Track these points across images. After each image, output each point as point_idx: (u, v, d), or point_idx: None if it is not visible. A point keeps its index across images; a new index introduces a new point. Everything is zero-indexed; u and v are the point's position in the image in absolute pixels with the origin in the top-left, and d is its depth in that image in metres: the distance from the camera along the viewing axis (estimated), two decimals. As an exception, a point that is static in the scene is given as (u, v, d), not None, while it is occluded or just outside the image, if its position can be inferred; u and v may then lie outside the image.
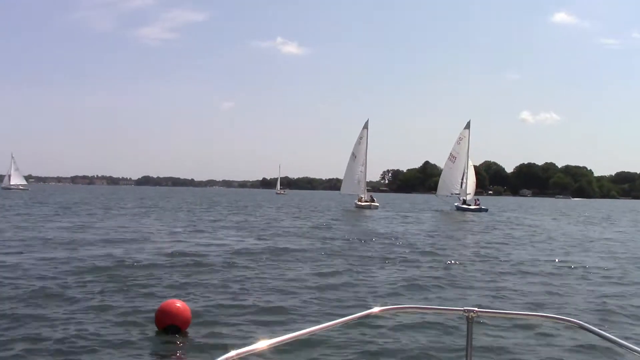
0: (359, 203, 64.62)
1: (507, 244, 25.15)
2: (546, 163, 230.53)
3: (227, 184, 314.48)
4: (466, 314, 3.11)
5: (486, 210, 61.17)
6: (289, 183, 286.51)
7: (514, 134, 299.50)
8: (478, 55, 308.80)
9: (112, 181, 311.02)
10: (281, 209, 59.94)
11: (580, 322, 3.11)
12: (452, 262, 17.75)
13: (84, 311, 9.91)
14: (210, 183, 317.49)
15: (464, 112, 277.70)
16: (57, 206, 51.63)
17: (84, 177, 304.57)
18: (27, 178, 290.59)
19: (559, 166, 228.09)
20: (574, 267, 17.31)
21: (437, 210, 63.25)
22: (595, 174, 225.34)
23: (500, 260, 18.56)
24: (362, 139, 68.94)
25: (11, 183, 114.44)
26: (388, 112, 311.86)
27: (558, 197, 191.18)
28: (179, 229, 28.67)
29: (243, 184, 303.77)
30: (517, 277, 15.24)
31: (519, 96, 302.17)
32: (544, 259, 19.20)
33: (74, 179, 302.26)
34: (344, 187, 71.07)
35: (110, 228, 27.82)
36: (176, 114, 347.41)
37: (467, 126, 66.87)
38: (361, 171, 68.53)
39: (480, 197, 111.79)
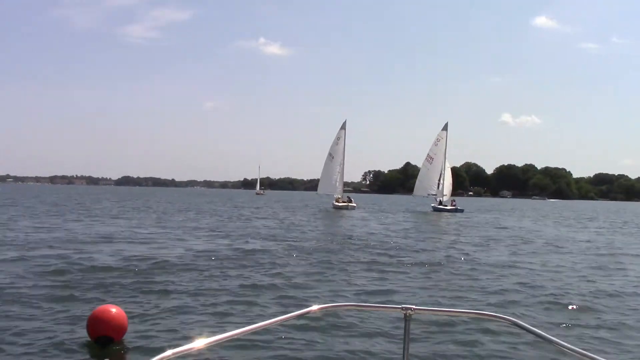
0: (337, 204, 64.45)
1: (467, 243, 25.28)
2: (526, 165, 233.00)
3: (208, 184, 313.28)
4: (404, 312, 3.14)
5: (462, 211, 61.43)
6: (270, 184, 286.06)
7: (494, 136, 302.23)
8: (460, 58, 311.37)
9: (91, 181, 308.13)
10: (259, 210, 59.54)
11: (514, 319, 3.19)
12: (406, 263, 17.66)
13: (12, 318, 9.33)
14: (191, 183, 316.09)
15: (445, 115, 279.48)
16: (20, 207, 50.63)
17: (63, 177, 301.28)
18: (5, 178, 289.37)
19: (539, 168, 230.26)
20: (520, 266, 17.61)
21: (413, 212, 63.27)
22: (574, 176, 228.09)
23: (452, 261, 18.56)
24: (339, 140, 68.85)
25: None
26: (370, 113, 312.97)
27: (534, 198, 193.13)
28: (144, 231, 28.09)
29: (224, 184, 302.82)
30: (461, 277, 15.17)
31: (500, 99, 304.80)
32: (495, 259, 19.25)
33: (53, 179, 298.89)
34: (321, 187, 70.84)
35: (69, 230, 26.89)
36: (158, 114, 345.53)
37: (445, 128, 67.10)
38: (339, 172, 68.46)
39: (460, 198, 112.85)
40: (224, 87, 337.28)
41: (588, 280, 15.01)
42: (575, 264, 18.68)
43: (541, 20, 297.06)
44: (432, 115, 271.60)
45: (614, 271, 17.32)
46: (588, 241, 28.98)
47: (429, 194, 66.20)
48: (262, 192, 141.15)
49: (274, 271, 15.16)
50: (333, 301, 4.22)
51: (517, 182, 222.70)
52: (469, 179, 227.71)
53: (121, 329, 7.93)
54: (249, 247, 20.94)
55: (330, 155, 69.41)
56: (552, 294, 12.59)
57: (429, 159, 66.68)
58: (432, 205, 64.78)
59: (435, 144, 66.47)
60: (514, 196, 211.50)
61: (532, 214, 68.43)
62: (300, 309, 3.30)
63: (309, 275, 14.64)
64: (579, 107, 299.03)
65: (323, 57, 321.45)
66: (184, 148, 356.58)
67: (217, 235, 26.35)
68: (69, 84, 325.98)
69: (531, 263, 18.37)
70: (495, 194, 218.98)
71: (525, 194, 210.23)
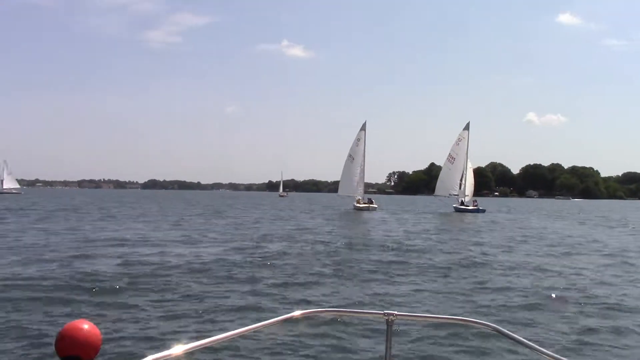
0: (357, 205, 64.30)
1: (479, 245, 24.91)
2: (552, 164, 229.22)
3: (234, 187, 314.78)
4: (386, 317, 3.15)
5: (483, 211, 60.82)
6: (295, 186, 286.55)
7: (520, 135, 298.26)
8: (484, 58, 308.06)
9: (118, 185, 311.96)
10: (277, 212, 59.69)
11: (495, 325, 3.20)
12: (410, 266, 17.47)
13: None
14: (217, 186, 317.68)
15: (470, 114, 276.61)
16: (41, 212, 51.05)
17: (91, 181, 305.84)
18: (34, 182, 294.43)
19: (566, 167, 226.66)
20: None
21: (435, 212, 62.79)
22: (602, 175, 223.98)
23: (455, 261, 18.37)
24: (359, 141, 68.71)
25: (4, 187, 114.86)
26: (394, 114, 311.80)
27: (558, 198, 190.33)
28: (155, 234, 27.89)
29: (249, 187, 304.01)
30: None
31: (524, 98, 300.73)
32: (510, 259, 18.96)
33: (81, 183, 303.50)
34: (341, 189, 70.73)
35: (79, 234, 26.54)
36: (182, 117, 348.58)
37: (467, 127, 66.51)
38: (359, 173, 68.32)
39: (485, 199, 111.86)
40: (248, 90, 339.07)
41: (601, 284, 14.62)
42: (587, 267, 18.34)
43: (565, 17, 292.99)
44: (456, 115, 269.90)
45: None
46: (595, 241, 28.55)
47: (450, 194, 65.68)
48: (285, 194, 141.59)
49: (265, 275, 14.96)
50: (318, 306, 4.26)
51: (543, 181, 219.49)
52: (494, 179, 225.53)
53: (92, 348, 7.59)
54: (255, 251, 20.72)
55: (351, 157, 69.27)
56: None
57: (451, 158, 66.15)
58: (454, 205, 64.29)
59: (457, 144, 65.91)
60: (540, 196, 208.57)
61: (553, 214, 67.46)
62: (283, 314, 3.28)
63: (313, 277, 14.60)
64: (604, 104, 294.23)
65: (346, 59, 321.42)
66: (209, 151, 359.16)
67: (223, 240, 25.56)
68: (95, 90, 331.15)
69: (547, 264, 17.99)
70: (521, 194, 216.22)
71: (552, 194, 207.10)
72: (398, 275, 15.42)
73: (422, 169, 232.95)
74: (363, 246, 23.04)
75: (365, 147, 68.33)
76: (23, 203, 67.91)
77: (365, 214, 56.36)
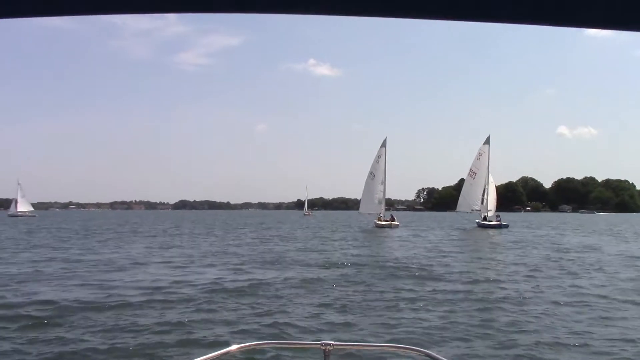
0: (379, 222, 63.42)
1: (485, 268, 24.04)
2: (586, 177, 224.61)
3: (263, 206, 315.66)
4: (323, 348, 3.19)
5: (507, 226, 59.54)
6: (324, 204, 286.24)
7: (551, 149, 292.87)
8: (512, 72, 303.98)
9: (149, 206, 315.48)
10: (292, 231, 59.32)
11: (428, 351, 3.26)
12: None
13: None
14: (246, 205, 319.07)
15: (499, 129, 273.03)
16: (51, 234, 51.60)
17: (123, 203, 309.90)
18: (68, 205, 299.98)
19: (599, 180, 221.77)
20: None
21: (458, 229, 61.73)
22: (638, 188, 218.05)
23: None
24: (380, 158, 68.01)
25: (18, 210, 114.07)
26: (423, 130, 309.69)
27: (582, 212, 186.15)
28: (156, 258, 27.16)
29: (278, 206, 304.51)
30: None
31: (555, 111, 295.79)
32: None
33: (113, 205, 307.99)
34: (362, 207, 69.88)
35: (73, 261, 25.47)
36: (211, 138, 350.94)
37: (487, 141, 65.58)
38: (381, 190, 67.46)
39: (515, 214, 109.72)
40: (276, 109, 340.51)
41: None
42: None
43: (593, 30, 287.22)
44: (484, 130, 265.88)
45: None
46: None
47: (472, 210, 64.60)
48: (309, 213, 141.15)
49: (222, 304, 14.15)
50: (253, 340, 4.20)
51: (576, 195, 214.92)
52: (526, 194, 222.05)
53: None
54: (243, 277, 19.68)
55: (372, 174, 68.56)
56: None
57: (472, 173, 65.18)
58: (477, 221, 63.27)
59: (478, 158, 64.94)
60: (574, 210, 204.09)
61: (578, 228, 65.73)
62: (218, 349, 3.22)
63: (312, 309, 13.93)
64: (637, 115, 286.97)
65: (372, 76, 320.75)
66: (238, 171, 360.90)
67: (219, 261, 24.62)
68: (125, 112, 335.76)
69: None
70: (554, 208, 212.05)
71: (586, 208, 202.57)
72: (391, 305, 14.35)
73: (452, 184, 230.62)
74: (367, 268, 22.19)
75: (387, 164, 67.64)
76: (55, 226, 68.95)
77: (385, 232, 55.51)
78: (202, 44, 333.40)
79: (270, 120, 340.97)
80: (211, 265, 23.08)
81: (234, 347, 3.32)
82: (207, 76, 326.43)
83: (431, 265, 22.87)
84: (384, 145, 68.32)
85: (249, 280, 18.13)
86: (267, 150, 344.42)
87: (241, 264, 23.35)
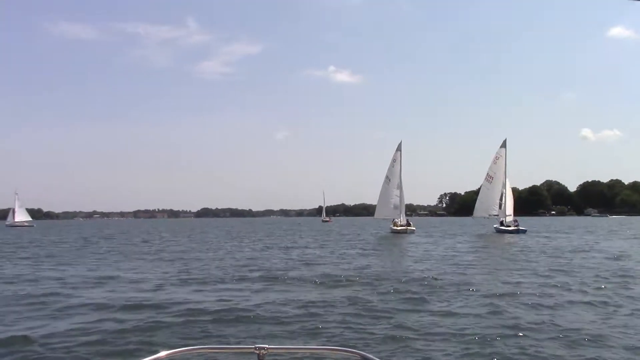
0: (394, 228, 62.45)
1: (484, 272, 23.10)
2: (611, 180, 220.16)
3: (285, 213, 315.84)
4: (257, 352, 3.18)
5: (525, 231, 58.19)
6: (345, 210, 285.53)
7: (575, 152, 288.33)
8: (534, 75, 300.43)
9: (172, 214, 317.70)
10: (306, 238, 58.70)
11: (364, 353, 3.26)
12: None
13: None
14: (268, 213, 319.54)
15: (521, 133, 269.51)
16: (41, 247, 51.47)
17: (146, 211, 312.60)
18: (92, 214, 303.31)
19: (626, 183, 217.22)
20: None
21: (475, 234, 60.49)
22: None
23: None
24: (395, 162, 67.04)
25: (15, 220, 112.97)
26: (445, 135, 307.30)
27: (595, 215, 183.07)
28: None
29: (300, 213, 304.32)
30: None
31: (578, 114, 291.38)
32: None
33: (136, 214, 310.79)
34: (378, 212, 68.92)
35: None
36: (234, 146, 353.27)
37: (504, 145, 64.43)
38: (397, 195, 66.39)
39: (539, 218, 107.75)
40: (297, 115, 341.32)
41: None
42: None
43: (617, 31, 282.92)
44: (509, 136, 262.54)
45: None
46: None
47: (490, 215, 63.40)
48: (328, 219, 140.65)
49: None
50: (182, 345, 3.97)
51: (602, 198, 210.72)
52: (550, 198, 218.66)
53: None
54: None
55: (387, 178, 67.59)
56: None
57: (489, 178, 63.99)
58: (495, 226, 62.11)
59: (495, 162, 63.77)
60: (600, 213, 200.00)
61: (597, 231, 63.96)
62: (147, 356, 3.12)
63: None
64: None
65: (392, 82, 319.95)
66: (260, 178, 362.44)
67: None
68: (148, 121, 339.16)
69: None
70: (579, 212, 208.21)
71: (613, 211, 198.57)
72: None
73: (474, 189, 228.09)
74: (367, 279, 21.25)
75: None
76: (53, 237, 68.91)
77: (400, 238, 54.47)
78: (224, 52, 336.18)
79: (291, 127, 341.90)
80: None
81: (163, 353, 3.23)
82: (229, 84, 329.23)
83: (433, 277, 21.95)
84: (399, 149, 67.36)
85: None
86: (288, 157, 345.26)
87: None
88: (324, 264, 26.49)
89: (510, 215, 62.71)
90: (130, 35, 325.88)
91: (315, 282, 19.48)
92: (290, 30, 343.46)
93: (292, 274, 22.21)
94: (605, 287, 17.73)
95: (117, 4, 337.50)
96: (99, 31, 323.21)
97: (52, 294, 16.81)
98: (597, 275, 20.77)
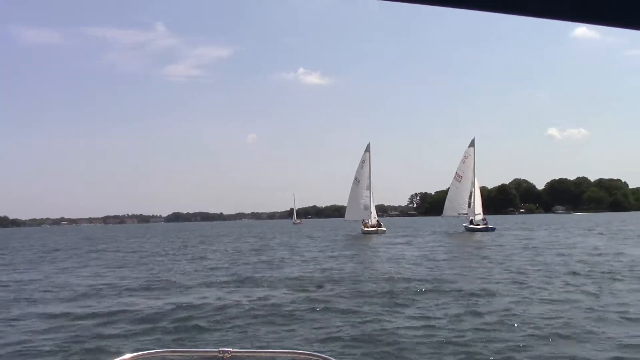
0: (365, 229, 62.15)
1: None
2: (578, 178, 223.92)
3: (256, 216, 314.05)
4: (221, 355, 3.20)
5: (493, 229, 58.43)
6: (317, 212, 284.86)
7: (543, 151, 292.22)
8: (500, 75, 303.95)
9: (142, 219, 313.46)
10: (272, 241, 58.09)
11: (329, 357, 3.29)
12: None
13: None
14: (239, 216, 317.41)
15: (490, 132, 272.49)
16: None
17: (115, 217, 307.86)
18: (60, 221, 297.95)
19: (592, 180, 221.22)
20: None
21: (445, 233, 60.65)
22: (631, 187, 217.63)
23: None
24: (364, 163, 66.81)
25: None
26: (414, 135, 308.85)
27: (559, 213, 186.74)
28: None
29: (272, 215, 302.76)
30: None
31: (544, 113, 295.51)
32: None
33: (106, 219, 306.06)
34: (348, 213, 68.63)
35: None
36: (204, 149, 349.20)
37: (472, 144, 64.61)
38: (366, 196, 66.13)
39: (509, 216, 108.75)
40: (267, 119, 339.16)
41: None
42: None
43: (581, 31, 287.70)
44: (475, 134, 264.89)
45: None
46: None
47: (459, 214, 63.51)
48: (299, 221, 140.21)
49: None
50: (148, 348, 3.76)
51: (570, 196, 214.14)
52: (519, 196, 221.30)
53: None
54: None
55: (357, 180, 67.34)
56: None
57: (458, 177, 64.11)
58: (464, 225, 62.23)
59: (463, 162, 63.92)
60: (567, 210, 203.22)
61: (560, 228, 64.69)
62: (112, 358, 3.12)
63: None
64: (628, 115, 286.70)
65: (363, 83, 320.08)
66: (231, 181, 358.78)
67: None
68: (116, 126, 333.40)
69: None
70: (548, 209, 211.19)
71: (580, 208, 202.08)
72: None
73: (444, 189, 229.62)
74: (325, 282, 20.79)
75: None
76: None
77: (370, 239, 54.20)
78: (193, 55, 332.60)
79: (262, 130, 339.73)
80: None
81: (127, 356, 3.22)
82: (198, 87, 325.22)
83: (402, 275, 21.58)
84: (367, 150, 67.13)
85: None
86: (259, 160, 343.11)
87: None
88: (292, 266, 26.02)
89: (480, 214, 62.90)
90: (98, 40, 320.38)
91: (281, 285, 18.99)
92: (259, 33, 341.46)
93: (257, 276, 21.72)
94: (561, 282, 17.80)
95: (83, 9, 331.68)
96: (65, 36, 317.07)
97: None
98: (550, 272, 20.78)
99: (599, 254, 28.92)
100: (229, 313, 13.88)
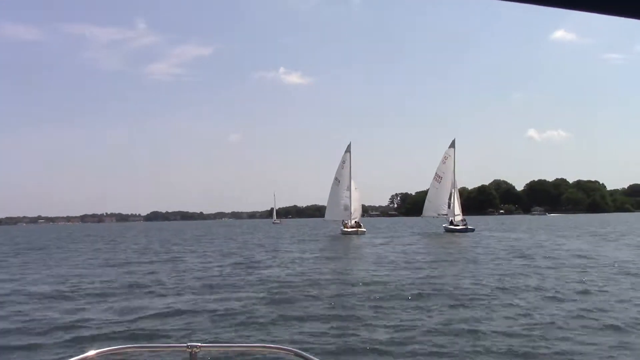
0: (345, 229, 61.63)
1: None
2: (557, 179, 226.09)
3: (236, 215, 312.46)
4: (189, 350, 3.16)
5: (473, 230, 58.35)
6: (297, 212, 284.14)
7: (522, 152, 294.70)
8: (480, 77, 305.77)
9: (121, 218, 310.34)
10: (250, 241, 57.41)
11: (297, 350, 3.32)
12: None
13: None
14: (220, 215, 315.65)
15: (469, 133, 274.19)
16: None
17: (93, 216, 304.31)
18: (37, 219, 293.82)
19: (571, 182, 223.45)
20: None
21: (424, 234, 60.37)
22: (609, 188, 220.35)
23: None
24: (344, 163, 66.39)
25: None
26: (395, 135, 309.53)
27: (534, 214, 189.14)
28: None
29: (252, 215, 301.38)
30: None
31: (523, 115, 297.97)
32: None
33: (84, 218, 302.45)
34: (328, 213, 68.20)
35: None
36: (184, 148, 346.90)
37: (452, 145, 64.48)
38: (347, 196, 65.62)
39: (489, 217, 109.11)
40: (248, 118, 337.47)
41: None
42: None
43: (559, 34, 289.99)
44: (454, 135, 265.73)
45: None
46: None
47: (439, 214, 63.33)
48: (278, 221, 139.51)
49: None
50: (114, 344, 4.16)
51: (549, 197, 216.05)
52: (499, 197, 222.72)
53: None
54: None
55: (337, 180, 66.89)
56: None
57: (438, 178, 63.97)
58: (444, 225, 62.07)
59: (443, 162, 63.79)
60: (546, 211, 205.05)
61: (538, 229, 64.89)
62: (75, 356, 3.06)
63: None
64: (606, 117, 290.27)
65: (343, 83, 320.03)
66: (211, 181, 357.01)
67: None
68: (96, 124, 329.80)
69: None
70: (527, 210, 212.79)
71: (558, 209, 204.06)
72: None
73: (425, 189, 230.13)
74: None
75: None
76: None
77: (349, 240, 53.66)
78: (174, 54, 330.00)
79: (242, 129, 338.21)
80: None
81: (92, 352, 3.17)
82: (179, 86, 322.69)
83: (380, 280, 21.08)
84: (348, 150, 66.74)
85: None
86: (240, 159, 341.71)
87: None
88: (267, 268, 25.45)
89: (459, 214, 62.78)
90: (77, 37, 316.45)
91: (255, 288, 18.42)
92: (241, 31, 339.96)
93: (230, 280, 21.12)
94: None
95: (62, 4, 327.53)
96: (43, 32, 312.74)
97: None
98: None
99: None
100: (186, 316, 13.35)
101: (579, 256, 28.71)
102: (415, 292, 16.89)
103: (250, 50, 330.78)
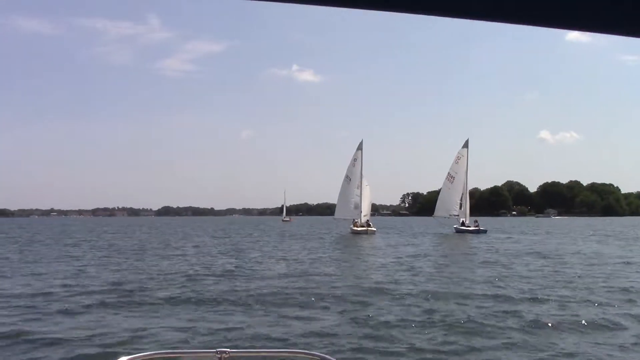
0: (354, 228, 60.87)
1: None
2: (571, 181, 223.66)
3: (247, 212, 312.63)
4: (219, 356, 3.22)
5: (485, 231, 57.37)
6: (308, 209, 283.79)
7: (535, 154, 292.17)
8: (493, 77, 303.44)
9: (132, 212, 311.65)
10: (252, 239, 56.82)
11: (323, 355, 3.37)
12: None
13: None
14: (230, 212, 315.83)
15: (483, 134, 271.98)
16: None
17: (105, 209, 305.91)
18: (49, 212, 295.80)
19: (585, 184, 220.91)
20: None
21: (435, 234, 59.40)
22: (623, 191, 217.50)
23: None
24: (356, 161, 65.54)
25: None
26: (409, 135, 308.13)
27: (539, 216, 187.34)
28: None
29: (262, 212, 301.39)
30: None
31: (536, 116, 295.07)
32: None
33: (95, 212, 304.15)
34: (338, 212, 67.37)
35: None
36: (196, 144, 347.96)
37: (466, 145, 63.50)
38: (357, 194, 64.80)
39: (501, 219, 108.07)
40: (261, 115, 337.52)
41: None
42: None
43: (575, 35, 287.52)
44: (468, 134, 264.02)
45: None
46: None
47: (450, 215, 62.35)
48: (288, 219, 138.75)
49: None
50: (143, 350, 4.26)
51: (562, 199, 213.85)
52: (512, 198, 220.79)
53: None
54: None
55: (347, 178, 66.06)
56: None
57: (450, 178, 62.96)
58: (455, 226, 61.06)
59: (456, 162, 62.77)
60: (560, 214, 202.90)
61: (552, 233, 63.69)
62: None
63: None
64: (620, 119, 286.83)
65: (356, 82, 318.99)
66: (223, 177, 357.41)
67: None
68: (109, 118, 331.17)
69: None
70: (540, 212, 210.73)
71: (572, 212, 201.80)
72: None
73: (437, 189, 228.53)
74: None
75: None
76: None
77: (359, 239, 52.81)
78: (186, 50, 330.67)
79: (255, 126, 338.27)
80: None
81: (124, 359, 3.23)
82: (191, 82, 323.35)
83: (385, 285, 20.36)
84: (360, 148, 65.86)
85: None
86: (251, 156, 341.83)
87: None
88: (269, 270, 24.84)
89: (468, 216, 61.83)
90: (89, 31, 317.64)
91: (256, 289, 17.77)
92: (253, 28, 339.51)
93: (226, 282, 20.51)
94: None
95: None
96: (56, 26, 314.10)
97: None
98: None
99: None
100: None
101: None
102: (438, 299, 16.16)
103: (263, 47, 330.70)
